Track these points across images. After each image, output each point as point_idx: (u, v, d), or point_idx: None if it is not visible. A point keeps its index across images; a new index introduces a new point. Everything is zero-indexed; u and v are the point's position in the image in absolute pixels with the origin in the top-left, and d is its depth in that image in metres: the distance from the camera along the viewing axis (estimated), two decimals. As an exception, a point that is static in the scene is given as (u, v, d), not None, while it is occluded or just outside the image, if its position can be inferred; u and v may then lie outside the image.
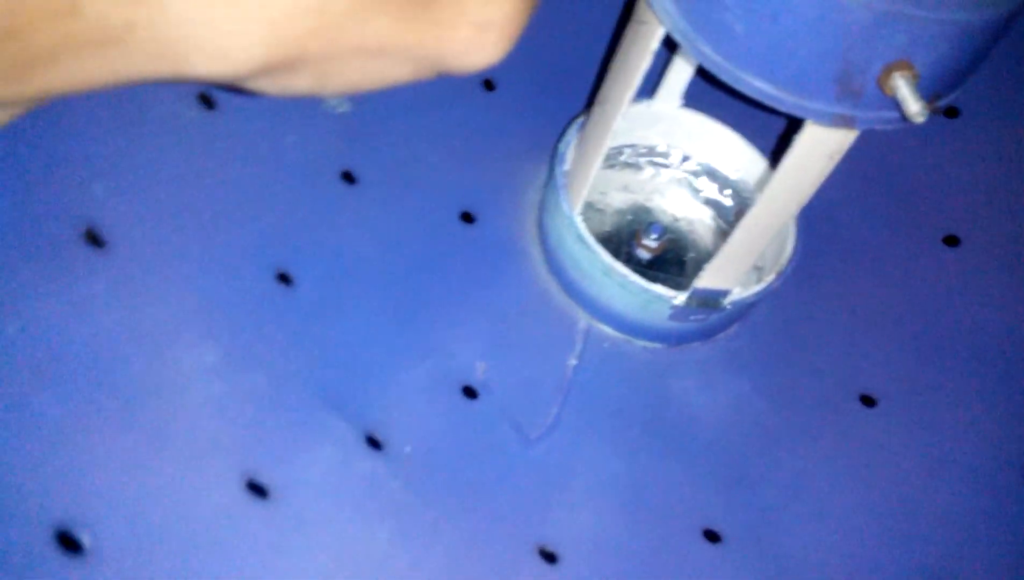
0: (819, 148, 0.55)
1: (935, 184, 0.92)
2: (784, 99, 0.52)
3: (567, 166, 0.77)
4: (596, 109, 0.70)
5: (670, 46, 0.79)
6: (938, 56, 0.49)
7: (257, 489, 0.55)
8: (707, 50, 0.52)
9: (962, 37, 0.48)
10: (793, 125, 0.56)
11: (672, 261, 0.84)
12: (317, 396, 0.60)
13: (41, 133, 0.56)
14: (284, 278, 0.65)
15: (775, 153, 0.85)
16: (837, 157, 0.57)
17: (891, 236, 0.89)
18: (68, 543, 0.49)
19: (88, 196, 0.56)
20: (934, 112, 0.54)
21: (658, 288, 0.73)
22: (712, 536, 0.66)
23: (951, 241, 0.88)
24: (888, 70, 0.49)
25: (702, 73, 0.81)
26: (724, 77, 0.52)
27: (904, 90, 0.48)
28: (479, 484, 0.62)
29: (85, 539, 0.49)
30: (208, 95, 0.67)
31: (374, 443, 0.61)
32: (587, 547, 0.62)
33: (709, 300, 0.73)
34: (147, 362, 0.54)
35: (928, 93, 0.52)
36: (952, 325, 0.84)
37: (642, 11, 0.59)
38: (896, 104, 0.51)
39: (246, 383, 0.58)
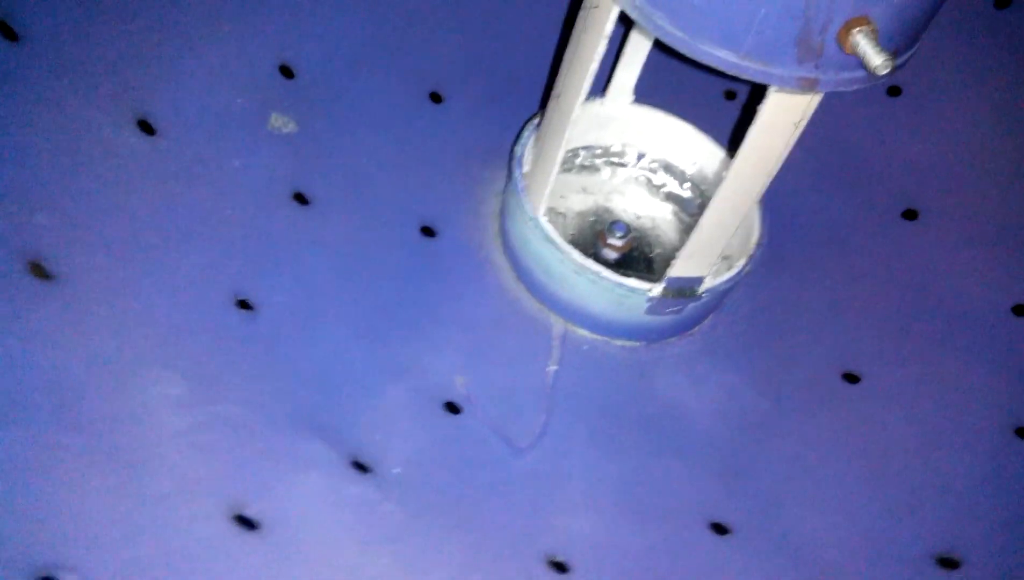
0: (784, 115, 0.55)
1: (886, 162, 0.93)
2: (746, 67, 0.51)
3: (526, 168, 0.76)
4: (552, 104, 0.68)
5: (618, 42, 0.79)
6: (894, 10, 0.48)
7: (245, 522, 0.51)
8: (665, 24, 0.51)
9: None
10: (748, 111, 0.55)
11: (639, 259, 0.82)
12: (293, 422, 0.56)
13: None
14: (244, 304, 0.62)
15: (731, 142, 0.85)
16: (802, 124, 0.56)
17: (851, 216, 0.89)
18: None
19: (30, 227, 0.53)
20: (891, 72, 0.54)
21: (633, 281, 0.72)
22: (719, 529, 0.64)
23: (910, 215, 0.89)
24: (847, 27, 0.48)
25: (650, 67, 0.81)
26: (684, 50, 0.52)
27: (864, 45, 0.48)
28: (474, 499, 0.59)
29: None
30: (147, 121, 0.64)
31: (360, 467, 0.57)
32: (595, 552, 0.59)
33: (684, 289, 0.72)
34: (109, 397, 0.50)
35: (886, 51, 0.52)
36: (921, 296, 0.84)
37: (593, -4, 0.58)
38: (857, 63, 0.50)
39: (216, 414, 0.54)
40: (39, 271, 0.53)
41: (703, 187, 0.85)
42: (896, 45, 0.52)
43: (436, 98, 0.86)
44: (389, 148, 0.81)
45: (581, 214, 0.84)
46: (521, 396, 0.71)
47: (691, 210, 0.85)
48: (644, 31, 0.74)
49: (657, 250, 0.84)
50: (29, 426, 0.47)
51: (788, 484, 0.69)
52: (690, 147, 0.84)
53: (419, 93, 0.86)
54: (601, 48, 0.58)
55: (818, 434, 0.73)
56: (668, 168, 0.86)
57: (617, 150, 0.87)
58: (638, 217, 0.85)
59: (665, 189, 0.86)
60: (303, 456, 0.55)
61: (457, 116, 0.86)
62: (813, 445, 0.72)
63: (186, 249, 0.60)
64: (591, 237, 0.83)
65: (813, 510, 0.67)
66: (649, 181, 0.87)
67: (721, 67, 0.51)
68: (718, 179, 0.84)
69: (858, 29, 0.48)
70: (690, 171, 0.86)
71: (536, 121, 0.79)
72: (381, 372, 0.65)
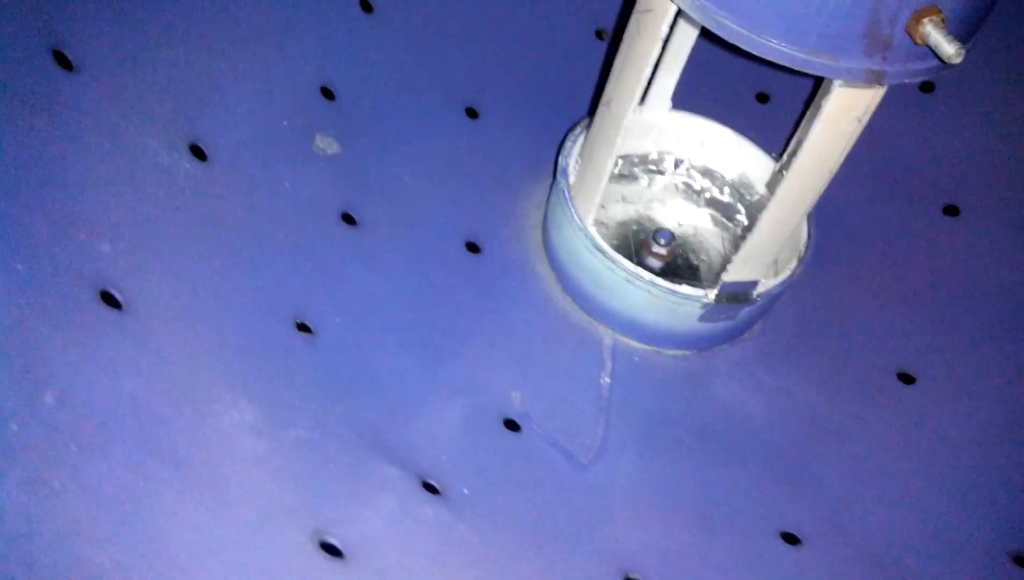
0: (847, 111, 0.54)
1: (923, 159, 0.92)
2: (813, 61, 0.50)
3: (572, 178, 0.75)
4: (601, 111, 0.68)
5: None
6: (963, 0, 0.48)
7: (330, 549, 0.50)
8: (727, 21, 0.51)
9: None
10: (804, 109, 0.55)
11: (683, 267, 0.82)
12: (362, 445, 0.56)
13: (39, 194, 0.52)
14: (304, 327, 0.61)
15: (766, 145, 0.84)
16: (865, 119, 0.55)
17: (892, 214, 0.88)
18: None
19: (97, 256, 0.52)
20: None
21: (687, 288, 0.71)
22: (791, 538, 0.63)
23: (951, 211, 0.88)
24: (917, 17, 0.48)
25: (688, 72, 0.81)
26: (747, 46, 0.51)
27: (935, 35, 0.47)
28: (544, 518, 0.58)
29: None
30: (198, 146, 0.64)
31: (431, 488, 0.56)
32: (670, 568, 0.58)
33: (739, 294, 0.71)
34: (189, 424, 0.50)
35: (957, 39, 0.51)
36: (968, 292, 0.83)
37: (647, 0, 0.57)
38: (925, 53, 0.50)
39: (290, 439, 0.53)
40: (109, 300, 0.52)
41: (743, 192, 0.85)
42: (963, 32, 0.51)
43: (472, 113, 0.86)
44: (429, 165, 0.80)
45: (622, 224, 0.84)
46: (577, 410, 0.69)
47: (734, 215, 0.85)
48: (686, 34, 0.73)
49: (702, 257, 0.83)
50: (119, 458, 0.46)
51: (856, 488, 0.67)
52: (731, 152, 0.84)
53: (455, 109, 0.85)
54: (655, 52, 0.58)
55: (880, 436, 0.72)
56: (708, 174, 0.86)
57: (654, 158, 0.86)
58: (679, 224, 0.85)
59: (706, 195, 0.86)
60: (376, 479, 0.54)
61: (493, 130, 0.86)
62: (877, 447, 0.71)
63: (247, 274, 0.59)
64: (633, 247, 0.82)
65: (884, 514, 0.66)
66: (688, 188, 0.86)
67: (786, 62, 0.51)
68: (761, 183, 0.84)
69: (928, 18, 0.47)
70: (731, 176, 0.85)
71: (577, 131, 0.79)
72: (439, 391, 0.64)
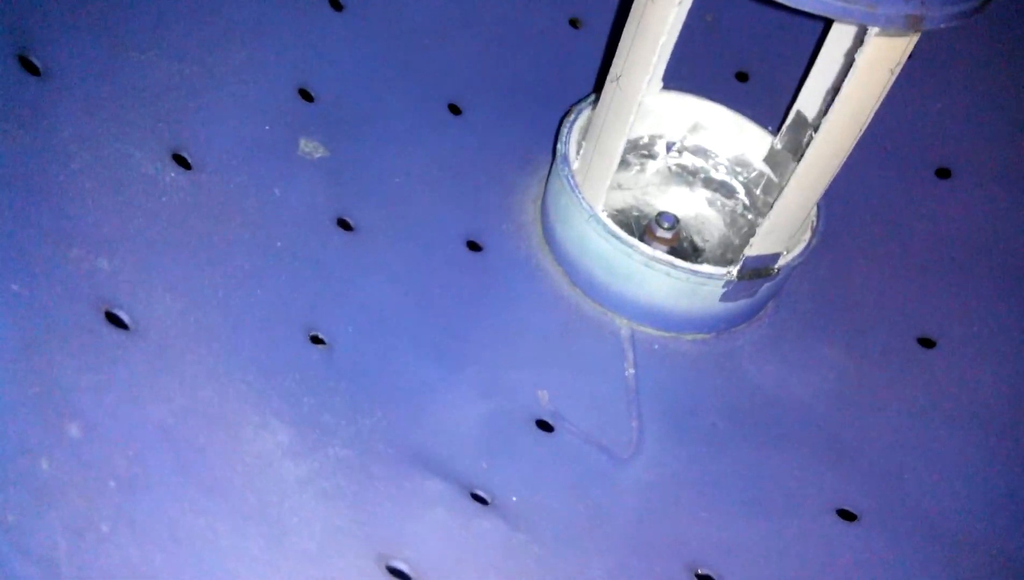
0: (883, 62, 0.52)
1: (907, 124, 0.92)
2: (850, 9, 0.48)
3: (575, 165, 0.72)
4: (609, 89, 0.65)
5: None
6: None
7: (398, 573, 0.45)
8: (760, -26, 0.48)
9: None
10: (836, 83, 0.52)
11: (688, 250, 0.79)
12: (402, 459, 0.51)
13: (25, 207, 0.46)
14: (318, 340, 0.56)
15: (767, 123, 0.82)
16: (897, 71, 0.53)
17: (887, 180, 0.88)
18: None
19: (95, 273, 0.46)
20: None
21: (708, 267, 0.68)
22: (847, 515, 0.60)
23: (943, 173, 0.88)
24: (957, -46, 0.46)
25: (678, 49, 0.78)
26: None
27: (978, -29, 0.46)
28: (598, 519, 0.54)
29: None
30: (180, 154, 0.58)
31: (479, 499, 0.52)
32: (737, 559, 0.55)
33: (760, 268, 0.68)
34: (226, 450, 0.44)
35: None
36: (971, 250, 0.82)
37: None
38: (961, -6, 0.48)
39: (330, 458, 0.48)
40: (116, 321, 0.46)
41: (740, 169, 0.83)
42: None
43: (455, 110, 0.82)
44: (418, 164, 0.76)
45: (622, 211, 0.81)
46: (606, 403, 0.66)
47: (732, 194, 0.83)
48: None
49: (705, 238, 0.80)
50: (163, 491, 0.41)
51: (900, 458, 0.65)
52: (726, 129, 0.82)
53: (437, 106, 0.81)
54: (672, 16, 0.55)
55: (915, 403, 0.70)
56: (702, 153, 0.83)
57: (645, 142, 0.84)
58: (680, 207, 0.82)
59: (702, 176, 0.83)
60: (425, 494, 0.49)
61: (478, 126, 0.82)
62: (913, 415, 0.69)
63: (250, 286, 0.54)
64: (637, 233, 0.79)
65: (934, 481, 0.64)
66: (683, 170, 0.84)
67: (823, 12, 0.48)
68: (758, 159, 0.82)
69: (969, -45, 0.45)
70: (727, 154, 0.83)
71: (572, 117, 0.76)
72: (466, 396, 0.60)
